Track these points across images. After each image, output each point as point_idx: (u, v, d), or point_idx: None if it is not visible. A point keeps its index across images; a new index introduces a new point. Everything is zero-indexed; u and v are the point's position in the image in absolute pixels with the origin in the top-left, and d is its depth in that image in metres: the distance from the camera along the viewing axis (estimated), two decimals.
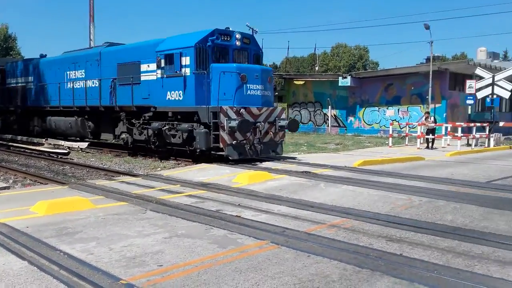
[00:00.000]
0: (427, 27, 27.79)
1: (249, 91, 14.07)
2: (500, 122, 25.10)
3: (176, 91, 14.50)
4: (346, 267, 5.20)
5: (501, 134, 25.03)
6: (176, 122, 14.81)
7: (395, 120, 29.92)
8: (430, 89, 27.18)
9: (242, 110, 13.72)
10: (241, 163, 13.62)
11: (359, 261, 5.38)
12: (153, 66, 15.22)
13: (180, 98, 14.42)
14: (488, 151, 20.83)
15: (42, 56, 23.12)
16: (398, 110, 30.85)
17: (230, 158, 13.67)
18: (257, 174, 11.49)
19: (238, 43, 14.90)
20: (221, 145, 13.57)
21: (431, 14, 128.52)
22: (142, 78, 15.66)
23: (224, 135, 13.47)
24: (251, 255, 5.58)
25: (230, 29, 15.16)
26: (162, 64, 14.67)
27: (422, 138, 21.48)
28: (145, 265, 5.23)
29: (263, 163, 14.12)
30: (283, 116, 15.06)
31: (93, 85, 18.12)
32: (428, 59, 31.75)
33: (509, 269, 5.19)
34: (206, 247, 5.92)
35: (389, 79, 31.22)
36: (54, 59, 21.76)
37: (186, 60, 14.14)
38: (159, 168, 13.96)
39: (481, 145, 22.29)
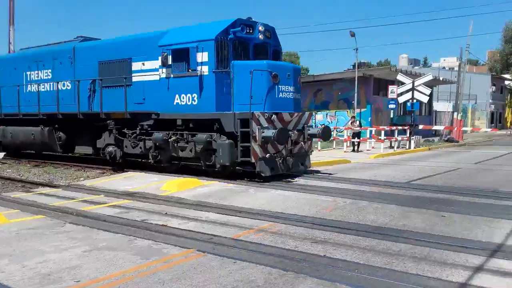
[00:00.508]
0: (353, 35, 28.92)
1: (280, 93, 11.97)
2: (420, 125, 26.67)
3: (189, 94, 12.07)
4: (271, 271, 5.21)
5: (421, 137, 26.56)
6: (186, 132, 12.38)
7: (323, 124, 30.73)
8: (356, 94, 28.29)
9: (274, 117, 11.67)
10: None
11: (284, 265, 5.41)
12: (151, 64, 12.82)
13: (195, 103, 12.01)
14: (409, 152, 21.99)
15: None
16: (327, 114, 31.82)
17: (263, 174, 11.53)
18: (186, 181, 11.30)
19: (261, 36, 12.66)
20: (252, 159, 11.39)
21: (357, 22, 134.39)
22: (134, 78, 13.14)
23: (256, 147, 11.31)
24: (176, 265, 5.44)
25: (252, 19, 12.69)
26: (169, 62, 12.14)
27: (348, 142, 22.25)
28: (61, 282, 4.92)
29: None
30: (311, 122, 13.36)
31: (66, 88, 15.12)
32: (354, 66, 33.10)
33: (424, 265, 5.45)
34: (129, 259, 5.69)
35: (317, 85, 32.12)
36: (6, 58, 18.45)
37: (203, 56, 11.70)
38: (82, 178, 13.32)
39: (402, 147, 23.50)
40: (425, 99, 24.53)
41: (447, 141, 29.16)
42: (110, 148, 14.28)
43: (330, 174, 13.53)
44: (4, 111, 17.46)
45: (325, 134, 12.94)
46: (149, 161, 13.23)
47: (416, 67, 66.56)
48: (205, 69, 11.76)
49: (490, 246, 6.16)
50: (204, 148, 11.89)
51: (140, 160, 14.05)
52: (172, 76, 12.36)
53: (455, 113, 32.78)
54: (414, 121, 24.69)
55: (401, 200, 9.39)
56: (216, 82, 11.67)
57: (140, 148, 13.41)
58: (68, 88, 15.10)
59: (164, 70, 12.45)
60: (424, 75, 26.25)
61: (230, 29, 11.91)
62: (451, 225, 7.34)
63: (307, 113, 13.19)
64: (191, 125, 12.32)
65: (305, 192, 10.32)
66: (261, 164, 11.46)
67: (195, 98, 12.01)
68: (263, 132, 11.25)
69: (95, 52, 14.55)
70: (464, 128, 32.97)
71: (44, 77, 16.06)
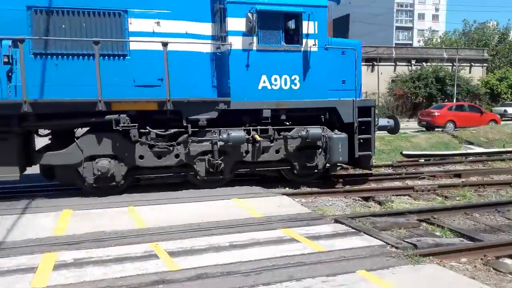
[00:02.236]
0: None
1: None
2: None
3: (285, 76, 9.35)
4: None
5: None
6: (271, 127, 9.50)
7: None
8: None
9: None
10: None
11: None
12: (176, 24, 8.77)
13: (295, 87, 9.43)
14: None
15: None
16: None
17: (372, 171, 11.44)
18: None
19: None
20: (372, 154, 10.13)
21: None
22: (134, 46, 8.59)
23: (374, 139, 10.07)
24: None
25: None
26: (255, 29, 8.90)
27: None
28: None
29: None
30: None
31: None
32: None
33: None
34: None
35: None
36: None
37: (310, 27, 9.32)
38: None
39: None
40: None
41: None
42: (104, 162, 8.55)
43: None
44: None
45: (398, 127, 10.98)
46: (198, 174, 9.26)
47: None
48: (311, 43, 9.49)
49: None
50: (301, 146, 9.72)
51: (172, 174, 9.49)
52: (255, 48, 9.20)
53: None
54: None
55: None
56: (327, 61, 9.64)
57: (177, 157, 9.03)
58: None
59: (238, 39, 9.08)
60: None
61: None
62: None
63: None
64: (283, 117, 9.61)
65: None
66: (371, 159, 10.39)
67: (297, 81, 9.52)
68: (377, 122, 10.33)
69: None
70: None
71: None
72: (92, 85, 8.08)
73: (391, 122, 10.75)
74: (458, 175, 11.61)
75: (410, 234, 6.78)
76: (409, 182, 10.71)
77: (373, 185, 10.48)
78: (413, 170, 12.42)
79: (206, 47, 9.14)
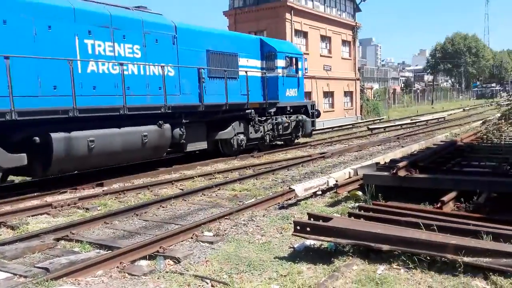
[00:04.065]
0: None
1: None
2: None
3: (292, 89, 18.11)
4: None
5: None
6: (287, 116, 17.86)
7: None
8: None
9: None
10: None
11: None
12: (254, 62, 16.84)
13: (295, 95, 18.39)
14: None
15: None
16: None
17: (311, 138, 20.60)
18: None
19: None
20: (316, 128, 20.46)
21: None
22: (241, 73, 15.92)
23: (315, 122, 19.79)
24: None
25: None
26: (286, 65, 17.66)
27: None
28: None
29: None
30: None
31: (167, 74, 13.06)
32: None
33: None
34: None
35: None
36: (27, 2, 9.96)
37: (299, 64, 18.58)
38: None
39: None
40: None
41: None
42: (241, 136, 15.89)
43: None
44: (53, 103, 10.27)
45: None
46: (266, 141, 17.13)
47: None
48: (299, 73, 18.63)
49: None
50: (295, 125, 18.30)
51: (258, 142, 17.01)
52: (285, 75, 17.65)
53: None
54: None
55: None
56: (302, 82, 19.03)
57: (261, 132, 16.63)
58: (171, 74, 13.24)
59: (280, 70, 17.36)
60: None
61: None
62: None
63: None
64: (291, 110, 18.01)
65: None
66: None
67: (295, 92, 18.37)
68: (313, 111, 19.46)
69: (203, 39, 14.61)
70: None
71: (127, 55, 11.98)
72: (231, 94, 15.04)
73: (316, 112, 19.69)
74: (101, 184, 11.52)
75: (46, 257, 6.14)
76: (49, 199, 9.91)
77: (6, 207, 9.15)
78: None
79: (259, 73, 16.87)
